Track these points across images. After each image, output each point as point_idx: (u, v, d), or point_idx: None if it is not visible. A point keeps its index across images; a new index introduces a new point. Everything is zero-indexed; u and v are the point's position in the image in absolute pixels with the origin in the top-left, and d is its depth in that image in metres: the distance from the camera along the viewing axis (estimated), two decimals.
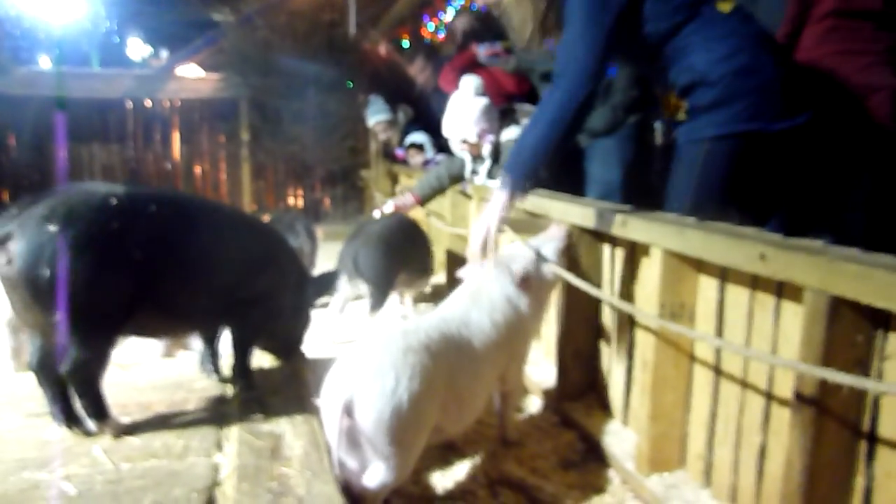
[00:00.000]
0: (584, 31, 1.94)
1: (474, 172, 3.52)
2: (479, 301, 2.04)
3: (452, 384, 1.82)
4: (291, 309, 2.33)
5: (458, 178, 3.66)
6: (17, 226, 1.65)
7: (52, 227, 1.64)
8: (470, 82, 3.31)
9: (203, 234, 1.98)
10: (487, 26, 4.13)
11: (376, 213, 3.83)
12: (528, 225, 2.74)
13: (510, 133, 3.28)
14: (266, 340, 2.36)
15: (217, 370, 2.34)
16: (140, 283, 1.77)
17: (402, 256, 3.37)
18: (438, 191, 3.80)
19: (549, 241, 2.28)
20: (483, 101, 3.27)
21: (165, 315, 1.93)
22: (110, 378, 1.84)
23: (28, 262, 1.62)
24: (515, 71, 3.59)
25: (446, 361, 1.81)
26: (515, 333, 2.07)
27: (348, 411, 1.60)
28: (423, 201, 3.82)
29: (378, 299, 3.21)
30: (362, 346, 1.74)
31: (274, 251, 2.28)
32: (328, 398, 1.66)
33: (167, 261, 1.83)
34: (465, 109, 3.27)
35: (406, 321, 1.97)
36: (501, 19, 2.57)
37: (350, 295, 3.34)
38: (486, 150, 3.33)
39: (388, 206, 3.79)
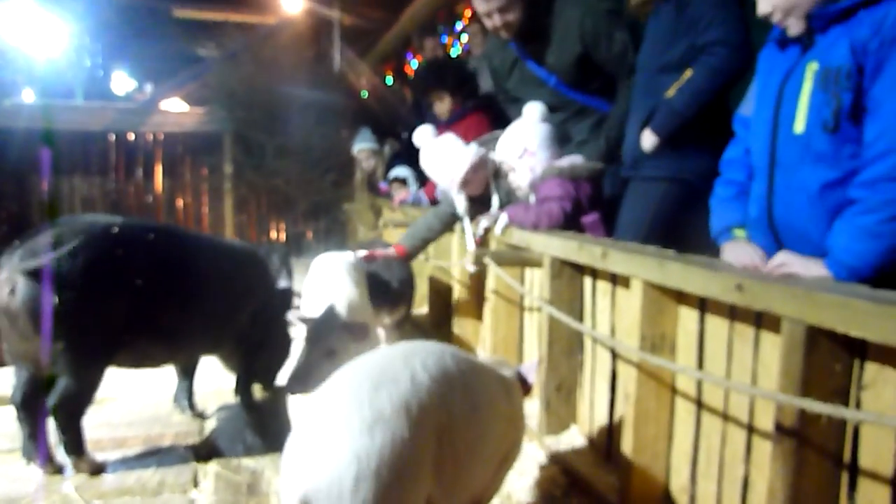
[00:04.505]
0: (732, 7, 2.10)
1: (467, 216, 3.12)
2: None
3: (450, 443, 1.43)
4: (274, 333, 2.34)
5: (449, 226, 3.29)
6: (20, 257, 1.64)
7: (56, 258, 1.63)
8: (452, 138, 3.08)
9: (197, 262, 1.99)
10: (440, 77, 4.12)
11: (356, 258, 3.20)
12: (511, 258, 2.76)
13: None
14: (247, 364, 2.35)
15: (192, 405, 2.31)
16: (137, 311, 1.76)
17: (379, 286, 3.26)
18: (428, 242, 3.36)
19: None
20: (473, 148, 3.03)
21: (162, 342, 1.92)
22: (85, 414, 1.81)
23: (31, 293, 1.61)
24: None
25: (440, 415, 1.42)
26: None
27: None
28: (410, 255, 3.30)
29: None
30: (320, 407, 1.36)
31: (261, 276, 2.30)
32: (284, 491, 1.34)
33: (164, 289, 1.83)
34: (450, 158, 3.02)
35: (382, 355, 1.52)
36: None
37: None
38: (496, 196, 2.99)
39: (360, 255, 3.15)
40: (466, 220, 3.09)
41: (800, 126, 1.55)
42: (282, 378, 2.23)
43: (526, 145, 2.74)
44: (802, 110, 1.55)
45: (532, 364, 1.90)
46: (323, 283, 2.75)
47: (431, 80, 4.19)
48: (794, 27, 1.58)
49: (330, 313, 2.42)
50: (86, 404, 1.75)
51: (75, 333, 1.64)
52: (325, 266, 2.93)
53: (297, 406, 2.59)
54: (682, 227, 2.33)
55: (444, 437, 1.40)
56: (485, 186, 3.03)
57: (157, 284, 1.82)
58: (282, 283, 3.48)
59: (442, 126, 3.60)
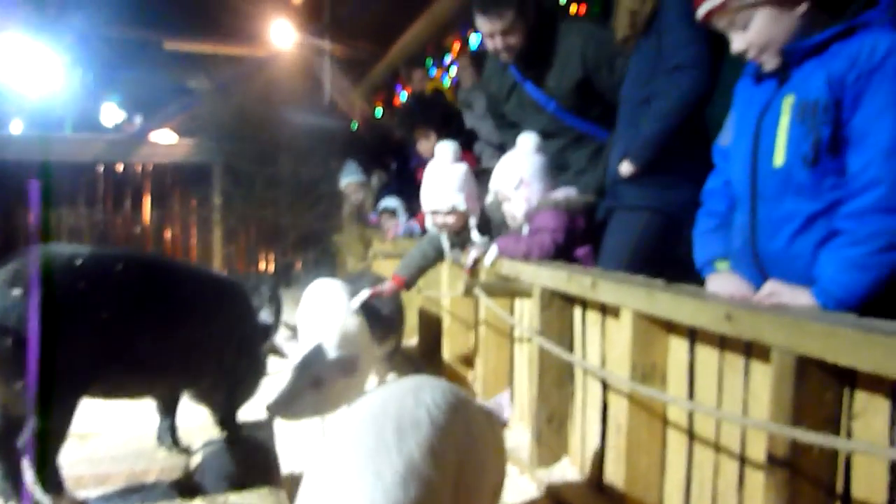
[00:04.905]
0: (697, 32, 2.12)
1: (454, 247, 3.19)
2: None
3: (463, 480, 1.38)
4: (249, 366, 2.31)
5: (443, 255, 3.28)
6: None
7: (16, 292, 1.60)
8: (447, 148, 3.15)
9: (170, 291, 1.96)
10: (427, 114, 4.10)
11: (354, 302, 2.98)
12: (501, 289, 2.76)
13: (492, 196, 3.14)
14: (214, 395, 2.30)
15: (176, 441, 2.27)
16: (107, 344, 1.73)
17: (369, 317, 3.23)
18: (425, 270, 3.33)
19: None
20: (463, 166, 3.14)
21: (134, 375, 1.89)
22: (66, 449, 1.77)
23: None
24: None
25: (456, 453, 1.37)
26: None
27: None
28: (408, 284, 3.24)
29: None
30: (340, 453, 1.26)
31: (242, 309, 2.27)
32: None
33: (135, 319, 1.80)
34: (446, 177, 3.11)
35: (391, 394, 1.45)
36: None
37: None
38: (473, 221, 3.09)
39: (363, 296, 2.98)
40: (447, 248, 3.18)
41: (779, 159, 1.57)
42: (264, 402, 2.19)
43: (522, 175, 2.76)
44: (781, 144, 1.57)
45: (504, 397, 1.87)
46: (320, 310, 2.73)
47: (418, 116, 4.16)
48: (770, 62, 1.61)
49: (321, 342, 2.41)
50: (60, 440, 1.71)
51: (42, 368, 1.60)
52: (322, 293, 2.92)
53: (286, 441, 2.56)
54: (664, 257, 2.34)
55: (458, 475, 1.37)
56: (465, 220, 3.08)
57: (129, 314, 1.79)
58: (264, 317, 3.43)
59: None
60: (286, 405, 2.18)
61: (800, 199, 1.55)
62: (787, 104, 1.56)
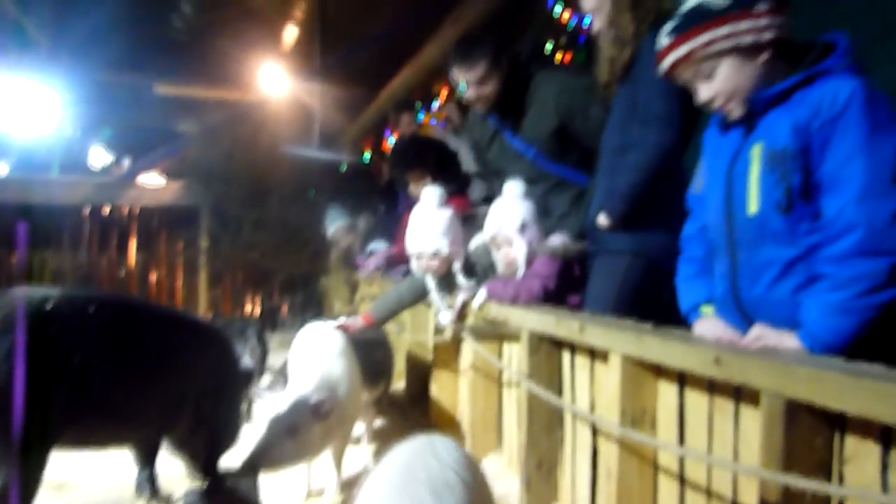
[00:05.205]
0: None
1: (439, 290, 3.19)
2: None
3: None
4: (228, 413, 2.26)
5: (420, 298, 3.31)
6: None
7: None
8: (433, 193, 3.14)
9: (145, 335, 1.93)
10: (421, 156, 3.90)
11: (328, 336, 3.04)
12: (489, 332, 2.75)
13: (477, 240, 3.20)
14: (193, 444, 2.24)
15: (156, 491, 2.21)
16: (79, 390, 1.68)
17: (359, 363, 3.21)
18: (397, 312, 3.38)
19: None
20: (448, 211, 3.12)
21: (108, 422, 1.84)
22: (42, 500, 1.71)
23: None
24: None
25: None
26: None
27: None
28: (378, 323, 3.30)
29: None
30: None
31: (221, 355, 2.23)
32: None
33: (108, 364, 1.76)
34: (430, 221, 3.10)
35: (415, 454, 1.46)
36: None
37: None
38: (458, 265, 3.10)
39: (332, 324, 3.09)
40: (435, 293, 3.15)
41: (753, 207, 1.59)
42: (242, 453, 2.14)
43: (524, 219, 2.78)
44: (753, 192, 1.59)
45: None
46: (309, 354, 2.70)
47: (413, 159, 3.91)
48: (736, 111, 1.65)
49: (297, 389, 2.38)
50: (32, 493, 1.65)
51: (7, 418, 1.55)
52: (313, 336, 2.88)
53: (271, 490, 2.50)
54: (648, 300, 2.35)
55: None
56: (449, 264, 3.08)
57: (101, 359, 1.75)
58: (246, 362, 3.39)
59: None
60: (262, 457, 2.14)
61: (776, 245, 1.57)
62: (756, 152, 1.59)
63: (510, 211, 2.82)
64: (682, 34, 1.63)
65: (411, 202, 4.10)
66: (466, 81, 3.01)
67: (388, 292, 3.38)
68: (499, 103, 3.05)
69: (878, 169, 1.44)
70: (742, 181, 1.62)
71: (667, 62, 1.69)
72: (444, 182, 3.38)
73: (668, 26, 1.68)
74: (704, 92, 1.66)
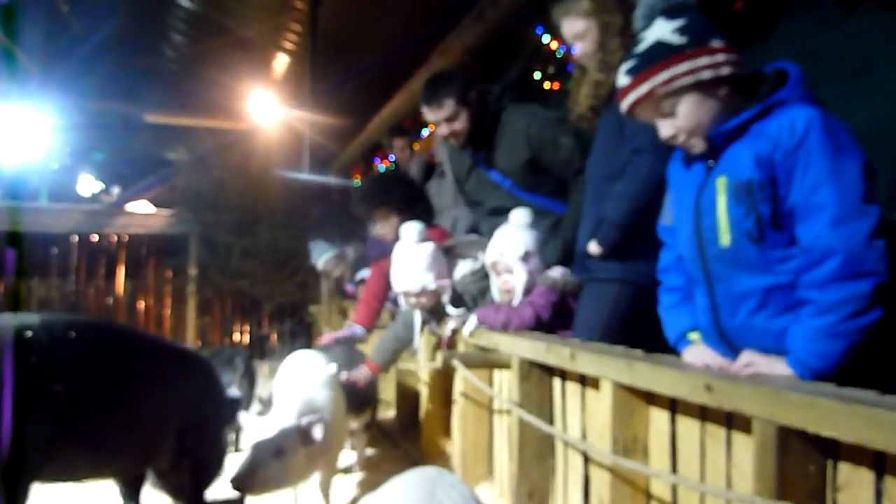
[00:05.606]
0: None
1: (427, 322, 3.20)
2: None
3: None
4: (214, 443, 2.22)
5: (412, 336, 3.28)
6: None
7: None
8: (412, 229, 3.11)
9: (128, 363, 1.89)
10: (386, 193, 3.70)
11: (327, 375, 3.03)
12: (479, 360, 2.73)
13: (462, 269, 3.20)
14: (177, 476, 2.20)
15: None
16: (61, 421, 1.64)
17: (342, 389, 3.17)
18: (399, 352, 3.36)
19: None
20: (429, 245, 3.11)
21: (90, 454, 1.79)
22: None
23: None
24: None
25: None
26: None
27: None
28: (383, 369, 3.32)
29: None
30: None
31: (207, 384, 2.20)
32: None
33: (90, 393, 1.72)
34: (413, 258, 3.08)
35: (423, 490, 1.46)
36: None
37: None
38: (446, 297, 3.08)
39: (339, 376, 3.05)
40: (419, 325, 3.18)
41: (725, 239, 1.60)
42: (226, 476, 2.12)
43: (528, 248, 2.78)
44: (723, 224, 1.59)
45: None
46: (293, 381, 2.69)
47: (377, 197, 3.68)
48: (698, 146, 1.65)
49: (281, 414, 2.36)
50: None
51: None
52: (297, 364, 2.87)
53: None
54: (637, 328, 2.34)
55: None
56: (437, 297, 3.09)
57: (83, 388, 1.70)
58: (232, 391, 3.34)
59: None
60: (249, 478, 2.15)
61: (752, 274, 1.57)
62: (721, 185, 1.59)
63: (514, 239, 2.81)
64: (641, 73, 1.62)
65: (376, 243, 4.08)
66: (436, 120, 3.11)
67: (384, 335, 3.40)
68: (471, 137, 3.12)
69: (846, 192, 1.44)
70: (710, 213, 1.62)
71: (627, 101, 1.68)
72: (410, 219, 3.33)
73: (626, 65, 1.66)
74: (666, 129, 1.66)
